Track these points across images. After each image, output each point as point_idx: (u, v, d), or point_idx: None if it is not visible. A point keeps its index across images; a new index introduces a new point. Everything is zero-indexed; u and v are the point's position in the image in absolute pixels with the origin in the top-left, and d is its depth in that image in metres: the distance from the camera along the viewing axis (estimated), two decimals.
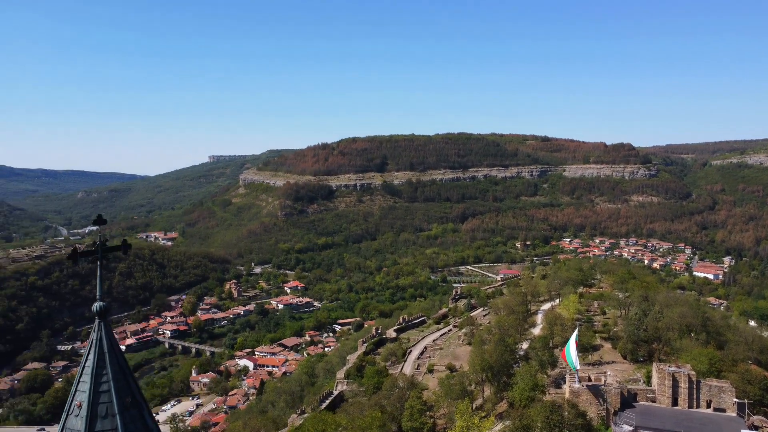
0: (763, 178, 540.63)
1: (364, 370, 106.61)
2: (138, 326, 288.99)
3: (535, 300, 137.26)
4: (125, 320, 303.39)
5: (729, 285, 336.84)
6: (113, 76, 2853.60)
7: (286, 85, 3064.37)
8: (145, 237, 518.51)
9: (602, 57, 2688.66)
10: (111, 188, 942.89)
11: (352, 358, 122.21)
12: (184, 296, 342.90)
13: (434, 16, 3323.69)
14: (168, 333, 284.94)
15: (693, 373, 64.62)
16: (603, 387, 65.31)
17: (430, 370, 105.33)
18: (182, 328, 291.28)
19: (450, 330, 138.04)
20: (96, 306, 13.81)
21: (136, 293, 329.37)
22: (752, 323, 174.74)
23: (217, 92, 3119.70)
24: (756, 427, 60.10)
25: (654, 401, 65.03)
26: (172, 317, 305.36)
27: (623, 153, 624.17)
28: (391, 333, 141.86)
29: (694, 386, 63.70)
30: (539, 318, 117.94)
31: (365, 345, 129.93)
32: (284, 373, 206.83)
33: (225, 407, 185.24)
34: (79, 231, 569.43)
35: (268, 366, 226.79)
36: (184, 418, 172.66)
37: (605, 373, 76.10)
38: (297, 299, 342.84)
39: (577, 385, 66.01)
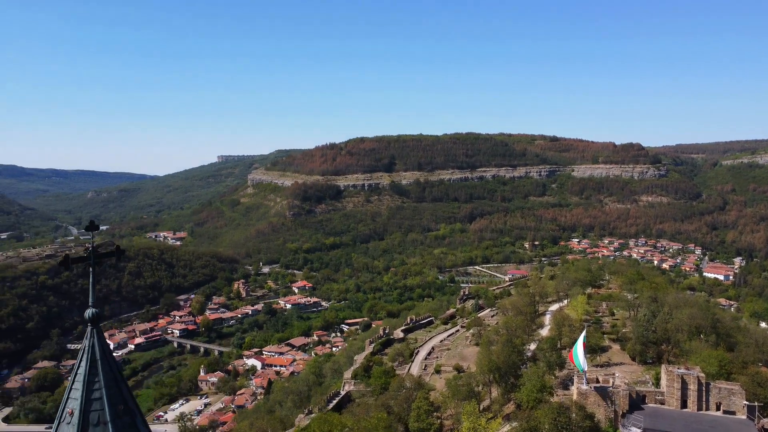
0: None
1: (372, 370, 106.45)
2: (147, 325, 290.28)
3: (543, 301, 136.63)
4: (134, 319, 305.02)
5: (739, 286, 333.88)
6: (123, 77, 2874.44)
7: (294, 85, 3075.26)
8: (154, 237, 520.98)
9: (612, 57, 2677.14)
10: (121, 188, 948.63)
11: (359, 359, 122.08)
12: (192, 296, 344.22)
13: (441, 16, 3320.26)
14: (177, 332, 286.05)
15: (702, 375, 64.00)
16: (611, 389, 64.83)
17: (438, 371, 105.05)
18: (191, 327, 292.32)
19: (457, 330, 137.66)
20: (88, 313, 13.70)
21: (145, 292, 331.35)
22: (763, 325, 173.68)
23: (227, 93, 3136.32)
24: (766, 430, 59.45)
25: (663, 403, 64.46)
26: (180, 316, 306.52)
27: (632, 153, 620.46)
28: (398, 333, 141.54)
29: (704, 388, 63.06)
30: (547, 319, 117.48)
31: (373, 345, 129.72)
32: (292, 373, 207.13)
33: (233, 406, 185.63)
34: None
35: (275, 366, 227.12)
36: (193, 417, 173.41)
37: (613, 374, 75.64)
38: (305, 299, 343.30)
39: (584, 387, 65.56)
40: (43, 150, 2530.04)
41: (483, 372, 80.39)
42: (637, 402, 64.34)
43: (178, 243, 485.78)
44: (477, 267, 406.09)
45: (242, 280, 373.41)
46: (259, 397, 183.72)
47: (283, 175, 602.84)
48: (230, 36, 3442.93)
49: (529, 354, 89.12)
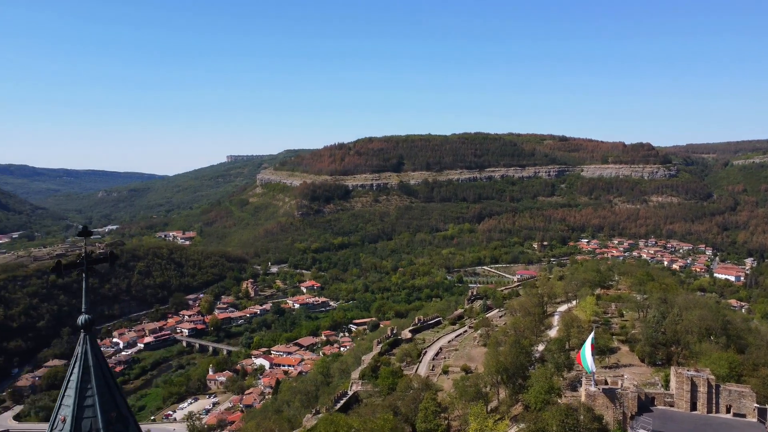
0: None
1: (379, 370, 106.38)
2: (156, 324, 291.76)
3: (552, 301, 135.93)
4: (144, 318, 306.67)
5: (751, 287, 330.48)
6: (134, 77, 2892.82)
7: (303, 85, 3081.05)
8: (163, 236, 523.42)
9: (623, 57, 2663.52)
10: (130, 188, 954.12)
11: (367, 359, 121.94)
12: (201, 295, 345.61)
13: (450, 16, 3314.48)
14: (185, 331, 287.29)
15: (712, 377, 63.35)
16: (620, 390, 64.31)
17: (445, 372, 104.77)
18: (199, 326, 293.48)
19: (465, 331, 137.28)
20: (81, 319, 13.60)
21: (154, 292, 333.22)
22: None
23: (236, 92, 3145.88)
24: None
25: (672, 406, 63.89)
26: (189, 316, 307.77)
27: (642, 153, 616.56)
28: (406, 333, 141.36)
29: (714, 391, 62.40)
30: (556, 320, 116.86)
31: (380, 345, 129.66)
32: (300, 373, 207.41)
33: (241, 406, 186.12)
34: (100, 230, 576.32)
35: (283, 365, 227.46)
36: (201, 416, 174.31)
37: (622, 376, 75.10)
38: (313, 299, 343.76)
39: (593, 389, 65.09)
40: (54, 150, 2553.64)
41: (491, 373, 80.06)
42: (646, 404, 63.80)
43: (188, 242, 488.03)
44: (485, 267, 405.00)
45: (251, 280, 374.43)
46: (267, 397, 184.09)
47: (292, 175, 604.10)
48: (240, 35, 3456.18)
49: (537, 355, 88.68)
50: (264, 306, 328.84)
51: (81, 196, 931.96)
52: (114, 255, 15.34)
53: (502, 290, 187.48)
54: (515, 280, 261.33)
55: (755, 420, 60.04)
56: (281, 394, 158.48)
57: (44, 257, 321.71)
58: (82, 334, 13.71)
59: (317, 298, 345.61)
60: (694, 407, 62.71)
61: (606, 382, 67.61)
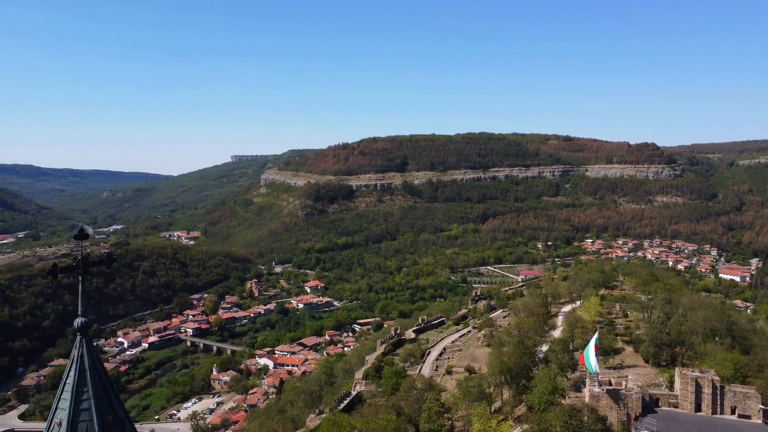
0: None
1: (383, 370, 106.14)
2: (160, 324, 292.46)
3: (556, 302, 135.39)
4: (148, 318, 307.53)
5: (756, 288, 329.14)
6: (138, 77, 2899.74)
7: (308, 85, 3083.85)
8: (168, 236, 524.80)
9: (626, 56, 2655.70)
10: (135, 188, 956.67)
11: (370, 359, 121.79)
12: (205, 295, 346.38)
13: (453, 16, 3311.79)
14: (190, 331, 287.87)
15: (717, 378, 63.06)
16: (624, 391, 64.05)
17: (449, 372, 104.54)
18: (204, 326, 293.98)
19: (469, 331, 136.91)
20: (77, 322, 13.55)
21: (158, 291, 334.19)
22: None
23: (241, 93, 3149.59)
24: None
25: (676, 407, 63.62)
26: (193, 315, 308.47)
27: (647, 153, 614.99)
28: (410, 333, 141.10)
29: (718, 392, 62.12)
30: (560, 320, 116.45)
31: (384, 345, 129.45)
32: (304, 373, 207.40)
33: (245, 406, 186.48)
34: (104, 230, 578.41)
35: (287, 365, 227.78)
36: (205, 415, 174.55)
37: (626, 377, 74.86)
38: (317, 299, 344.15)
39: (597, 390, 64.85)
40: (59, 150, 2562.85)
41: (494, 373, 79.78)
42: (650, 405, 63.57)
43: (192, 242, 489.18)
44: (489, 267, 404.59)
45: (255, 280, 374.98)
46: (270, 397, 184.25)
47: (296, 175, 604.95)
48: (244, 35, 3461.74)
49: (541, 356, 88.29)
50: (268, 306, 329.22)
51: (86, 196, 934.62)
52: (111, 257, 15.25)
53: (506, 290, 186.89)
54: (519, 280, 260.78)
55: (760, 421, 59.73)
56: (285, 393, 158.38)
57: (49, 257, 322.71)
58: (78, 337, 13.67)
59: (321, 298, 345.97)
60: (698, 408, 62.44)
61: (610, 383, 67.36)
